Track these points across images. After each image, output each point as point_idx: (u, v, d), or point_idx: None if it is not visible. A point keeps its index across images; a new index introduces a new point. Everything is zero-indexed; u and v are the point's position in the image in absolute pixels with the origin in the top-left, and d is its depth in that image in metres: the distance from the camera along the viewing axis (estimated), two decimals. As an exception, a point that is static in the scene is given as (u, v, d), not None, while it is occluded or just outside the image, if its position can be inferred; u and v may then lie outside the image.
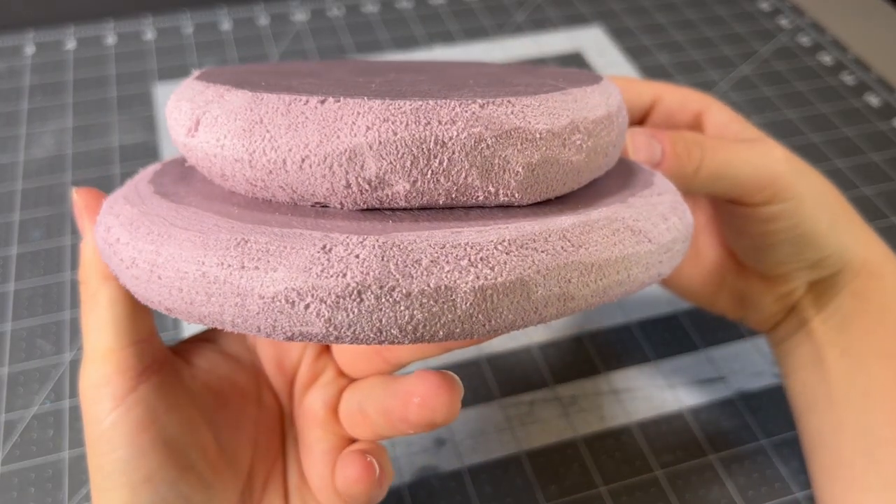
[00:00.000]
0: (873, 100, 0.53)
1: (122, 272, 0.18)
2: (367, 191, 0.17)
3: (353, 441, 0.24)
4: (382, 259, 0.16)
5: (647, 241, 0.19)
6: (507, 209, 0.18)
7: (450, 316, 0.16)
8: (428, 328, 0.16)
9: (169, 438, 0.22)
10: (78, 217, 0.22)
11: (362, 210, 0.18)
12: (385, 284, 0.16)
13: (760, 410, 0.34)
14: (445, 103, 0.17)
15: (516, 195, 0.18)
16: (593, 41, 0.57)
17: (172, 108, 0.19)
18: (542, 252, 0.17)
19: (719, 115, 0.31)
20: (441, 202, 0.18)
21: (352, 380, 0.25)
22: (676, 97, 0.31)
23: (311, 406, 0.25)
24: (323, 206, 0.18)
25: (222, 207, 0.18)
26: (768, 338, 0.32)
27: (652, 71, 0.55)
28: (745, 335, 0.37)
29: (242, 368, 0.26)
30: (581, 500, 0.31)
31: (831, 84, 0.54)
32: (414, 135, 0.16)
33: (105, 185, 0.44)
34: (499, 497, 0.31)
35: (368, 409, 0.23)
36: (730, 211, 0.29)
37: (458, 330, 0.16)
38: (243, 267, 0.16)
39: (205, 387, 0.24)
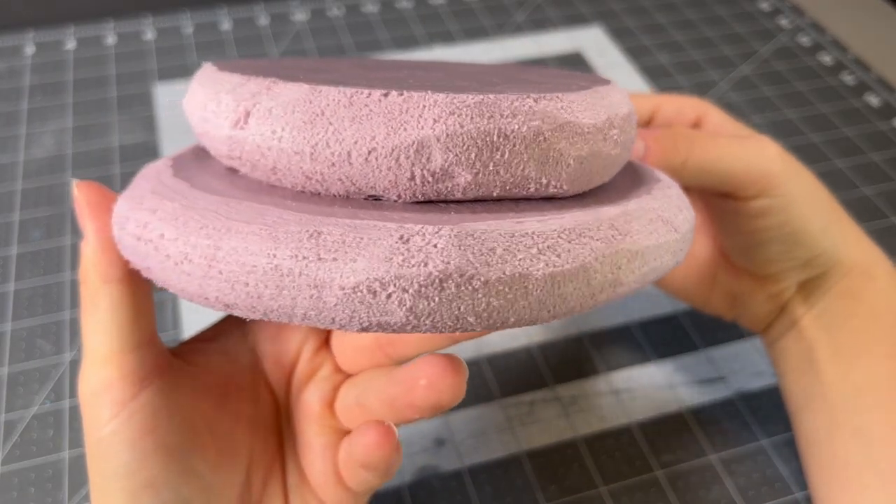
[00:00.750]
0: (873, 100, 0.53)
1: (169, 269, 0.18)
2: (429, 182, 0.17)
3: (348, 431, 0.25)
4: (460, 248, 0.16)
5: (674, 231, 0.20)
6: (551, 200, 0.19)
7: (523, 302, 0.17)
8: (502, 314, 0.17)
9: (170, 443, 0.22)
10: (79, 212, 0.22)
11: (418, 202, 0.18)
12: (465, 273, 0.16)
13: (760, 410, 0.34)
14: (505, 97, 0.17)
15: (564, 186, 0.19)
16: (593, 41, 0.57)
17: (208, 99, 0.19)
18: (597, 240, 0.18)
19: (716, 118, 0.31)
20: (495, 194, 0.18)
21: (348, 375, 0.26)
22: (673, 106, 0.31)
23: (308, 401, 0.25)
24: (376, 199, 0.18)
25: (276, 200, 0.18)
26: (762, 338, 0.32)
27: (652, 71, 0.55)
28: (745, 335, 0.37)
29: (241, 367, 0.26)
30: (581, 500, 0.31)
31: (831, 84, 0.54)
32: (479, 128, 0.17)
33: (105, 185, 0.44)
34: (499, 497, 0.31)
35: (369, 400, 0.23)
36: (722, 207, 0.29)
37: (527, 316, 0.17)
38: (320, 258, 0.16)
39: (205, 388, 0.24)
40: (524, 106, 0.17)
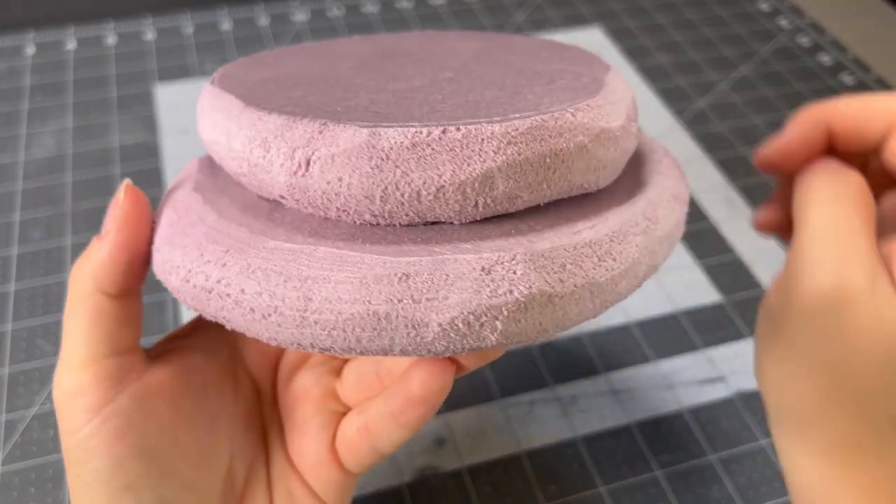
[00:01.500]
0: (873, 100, 0.53)
1: (256, 322, 0.18)
2: (489, 206, 0.18)
3: (346, 412, 0.25)
4: (537, 271, 0.17)
5: (683, 204, 0.22)
6: (585, 196, 0.20)
7: (590, 305, 0.18)
8: (573, 319, 0.18)
9: (148, 446, 0.21)
10: (111, 213, 0.21)
11: (474, 222, 0.19)
12: (545, 293, 0.17)
13: (760, 410, 0.34)
14: (550, 117, 0.18)
15: (599, 185, 0.20)
16: (593, 42, 0.57)
17: (254, 145, 0.19)
18: (638, 235, 0.19)
19: None
20: (542, 204, 0.19)
21: (343, 360, 0.26)
22: None
23: (303, 384, 0.25)
24: (434, 223, 0.19)
25: (347, 241, 0.18)
26: None
27: (652, 71, 0.55)
28: (746, 335, 0.37)
29: (220, 360, 0.25)
30: (581, 500, 0.31)
31: (831, 84, 0.54)
32: (535, 152, 0.18)
33: (105, 185, 0.44)
34: (499, 497, 0.31)
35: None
36: None
37: (591, 315, 0.19)
38: (414, 300, 0.17)
39: (184, 387, 0.23)
40: (566, 122, 0.18)
